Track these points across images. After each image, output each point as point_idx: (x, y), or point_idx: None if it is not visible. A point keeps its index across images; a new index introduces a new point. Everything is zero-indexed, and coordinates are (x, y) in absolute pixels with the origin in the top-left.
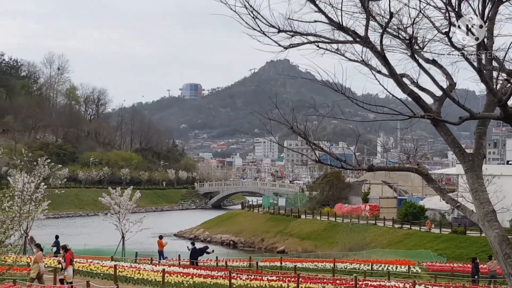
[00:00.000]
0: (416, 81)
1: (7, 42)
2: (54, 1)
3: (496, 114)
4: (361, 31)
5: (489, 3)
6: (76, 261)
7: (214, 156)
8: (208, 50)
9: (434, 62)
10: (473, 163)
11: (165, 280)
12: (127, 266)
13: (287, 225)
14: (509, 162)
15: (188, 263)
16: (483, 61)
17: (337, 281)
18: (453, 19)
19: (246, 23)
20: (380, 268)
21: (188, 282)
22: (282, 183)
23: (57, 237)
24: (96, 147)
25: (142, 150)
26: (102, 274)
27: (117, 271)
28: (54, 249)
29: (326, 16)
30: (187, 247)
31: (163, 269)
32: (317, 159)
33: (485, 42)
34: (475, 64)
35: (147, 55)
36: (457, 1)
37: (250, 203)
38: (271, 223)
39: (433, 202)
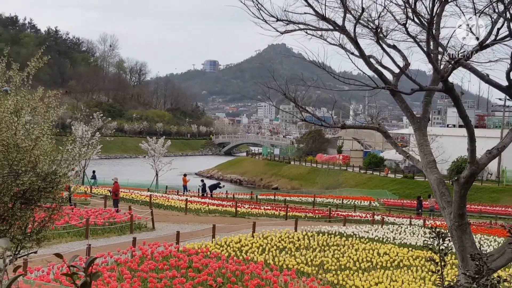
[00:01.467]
0: (380, 61)
1: (71, 25)
2: None
3: (439, 87)
4: (339, 22)
5: (437, 2)
6: (121, 191)
7: (227, 115)
8: (224, 36)
9: (394, 47)
10: (420, 124)
11: (187, 207)
12: (159, 196)
13: (280, 168)
14: (449, 126)
15: (207, 195)
16: (431, 47)
17: (316, 211)
18: (410, 14)
19: (252, 13)
20: (348, 203)
21: (205, 209)
22: (277, 137)
23: (94, 171)
24: (137, 106)
25: (172, 109)
26: (140, 201)
27: (152, 199)
28: (92, 181)
29: (313, 9)
30: (198, 185)
31: (186, 199)
32: (303, 119)
33: (433, 32)
34: (425, 49)
35: (176, 38)
36: (413, 0)
37: (253, 151)
38: (268, 167)
39: (391, 154)
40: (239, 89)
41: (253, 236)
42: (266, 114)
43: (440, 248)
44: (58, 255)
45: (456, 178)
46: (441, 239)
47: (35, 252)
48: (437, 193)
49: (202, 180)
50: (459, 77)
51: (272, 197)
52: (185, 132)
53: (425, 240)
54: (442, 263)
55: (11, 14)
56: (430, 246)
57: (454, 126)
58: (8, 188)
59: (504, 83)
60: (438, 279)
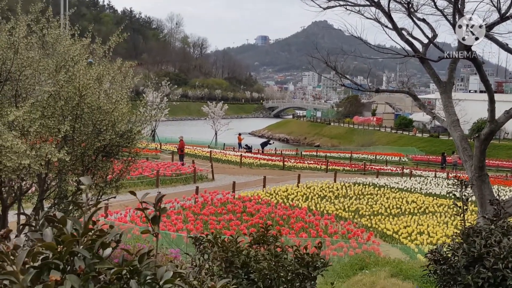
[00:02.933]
0: (410, 33)
1: (143, 5)
2: None
3: (465, 55)
4: None
5: None
6: (185, 148)
7: (276, 83)
8: (274, 12)
9: (423, 20)
10: (445, 88)
11: (242, 161)
12: (218, 152)
13: (322, 129)
14: (470, 91)
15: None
16: (457, 20)
17: (352, 165)
18: None
19: None
20: (381, 158)
21: (257, 163)
22: (319, 102)
23: (152, 130)
24: (199, 76)
25: (229, 78)
26: (202, 156)
27: (211, 154)
28: (151, 138)
29: None
30: (246, 145)
31: (241, 154)
32: (342, 84)
33: (459, 6)
34: (451, 21)
35: (233, 15)
36: None
37: (298, 114)
38: (311, 127)
39: (419, 116)
40: (286, 61)
41: (298, 186)
42: (310, 82)
43: (463, 194)
44: (132, 192)
45: (477, 135)
46: (463, 187)
47: (114, 197)
48: (460, 148)
49: (247, 145)
50: (481, 48)
51: (315, 153)
52: (240, 97)
53: (449, 188)
54: (465, 207)
55: None
56: (453, 193)
57: (475, 91)
58: (92, 143)
59: None
60: (461, 221)
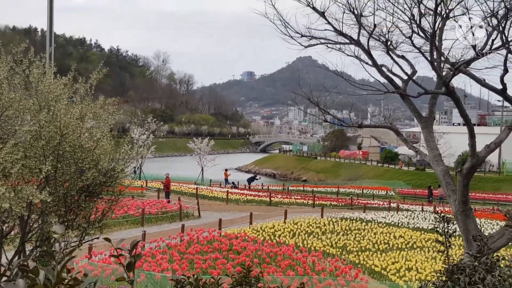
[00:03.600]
0: (390, 70)
1: (130, 44)
2: (160, 18)
3: (442, 91)
4: (355, 36)
5: (439, 18)
6: (172, 185)
7: (262, 118)
8: (260, 49)
9: (402, 57)
10: (427, 123)
11: (228, 197)
12: (204, 188)
13: (308, 163)
14: (454, 124)
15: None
16: (434, 56)
17: (339, 200)
18: (415, 29)
19: (280, 30)
20: (368, 192)
21: (243, 199)
22: (305, 136)
23: (134, 167)
24: (186, 112)
25: (215, 114)
26: (188, 193)
27: (198, 191)
28: (133, 175)
29: (332, 26)
30: (232, 182)
31: (227, 191)
32: (326, 120)
33: (436, 44)
34: (429, 58)
35: (220, 52)
36: (418, 17)
37: (284, 149)
38: (298, 162)
39: (404, 149)
40: (272, 96)
41: (285, 222)
42: (295, 116)
43: (445, 230)
44: (107, 239)
45: (459, 169)
46: (446, 222)
47: (98, 238)
48: (443, 182)
49: (233, 182)
50: (462, 82)
51: (301, 188)
52: (226, 133)
53: (433, 224)
54: (447, 244)
55: (79, 36)
56: (437, 229)
57: (459, 124)
58: (75, 183)
59: (499, 86)
60: (445, 257)
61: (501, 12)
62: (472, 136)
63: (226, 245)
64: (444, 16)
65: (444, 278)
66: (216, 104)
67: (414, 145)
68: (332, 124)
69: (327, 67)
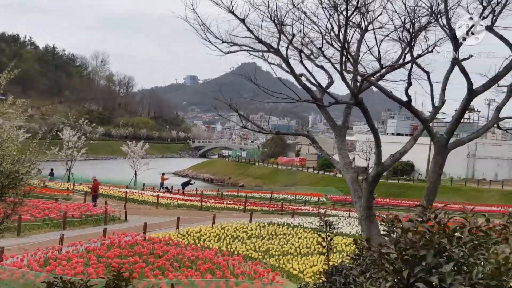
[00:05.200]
0: (309, 79)
1: (67, 42)
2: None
3: (352, 101)
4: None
5: (351, 30)
6: (101, 188)
7: (204, 123)
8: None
9: (321, 67)
10: (340, 132)
11: (159, 202)
12: (135, 192)
13: (247, 169)
14: (388, 134)
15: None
16: (347, 68)
17: (271, 205)
18: (326, 41)
19: (200, 35)
20: (300, 198)
21: (174, 203)
22: (246, 142)
23: (52, 169)
24: (125, 114)
25: (156, 117)
26: (117, 197)
27: (128, 195)
28: (49, 177)
29: (252, 33)
30: (166, 187)
31: (158, 194)
32: (244, 126)
33: (348, 55)
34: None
35: (163, 56)
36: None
37: (224, 154)
38: (236, 168)
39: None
40: (214, 101)
41: (212, 227)
42: (238, 122)
43: (327, 234)
44: None
45: (365, 177)
46: (328, 227)
47: None
48: (351, 189)
49: (167, 187)
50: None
51: (235, 194)
52: (166, 137)
53: (317, 227)
54: (328, 247)
55: (13, 33)
56: (319, 233)
57: (392, 134)
58: None
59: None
60: (326, 259)
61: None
62: (378, 145)
63: (147, 249)
64: (364, 28)
65: (323, 279)
66: (156, 108)
67: (349, 153)
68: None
69: (271, 74)
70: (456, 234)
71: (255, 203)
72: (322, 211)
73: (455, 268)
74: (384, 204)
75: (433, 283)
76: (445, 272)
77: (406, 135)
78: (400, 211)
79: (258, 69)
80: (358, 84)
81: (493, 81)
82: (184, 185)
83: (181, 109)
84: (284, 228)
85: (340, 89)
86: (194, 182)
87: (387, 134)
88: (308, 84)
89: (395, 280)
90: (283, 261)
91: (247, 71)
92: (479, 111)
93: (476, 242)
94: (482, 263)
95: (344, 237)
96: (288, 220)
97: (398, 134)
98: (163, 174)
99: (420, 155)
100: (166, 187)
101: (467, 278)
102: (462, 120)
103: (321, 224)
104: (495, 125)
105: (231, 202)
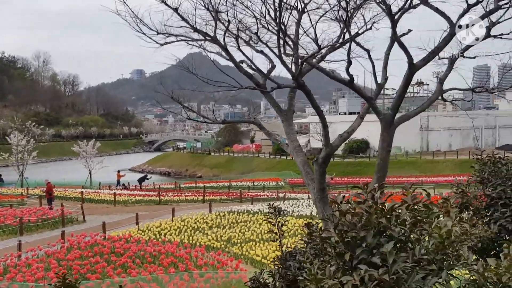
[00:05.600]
0: (250, 65)
1: (6, 46)
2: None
3: (293, 85)
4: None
5: (287, 13)
6: (56, 190)
7: (155, 117)
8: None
9: (261, 52)
10: (286, 116)
11: (116, 199)
12: (91, 191)
13: (203, 159)
14: (340, 113)
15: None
16: (286, 51)
17: (230, 194)
18: (262, 25)
19: (133, 28)
20: (259, 184)
21: (132, 200)
22: (199, 133)
23: (0, 175)
24: (73, 114)
25: (105, 114)
26: (73, 198)
27: (84, 195)
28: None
29: (187, 22)
30: (123, 184)
31: (114, 192)
32: (188, 117)
33: (286, 39)
34: (277, 53)
35: (110, 52)
36: (268, 14)
37: (179, 146)
38: (192, 159)
39: None
40: (159, 94)
41: (172, 220)
42: (189, 113)
43: (278, 221)
44: None
45: (315, 159)
46: (278, 213)
47: None
48: (303, 172)
49: (124, 184)
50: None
51: (194, 185)
52: (118, 133)
53: (266, 214)
54: (280, 233)
55: None
56: (269, 220)
57: (345, 113)
58: None
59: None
60: (278, 246)
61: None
62: (324, 126)
63: (108, 248)
64: (300, 10)
65: (279, 265)
66: (105, 105)
67: (304, 135)
68: (194, 121)
69: (215, 64)
70: (398, 212)
71: (214, 193)
72: (281, 195)
73: (398, 247)
74: (342, 183)
75: (377, 264)
76: (386, 252)
77: (358, 113)
78: (358, 188)
79: (205, 58)
80: (299, 67)
81: (433, 54)
82: (141, 180)
83: (131, 104)
84: (245, 215)
85: (288, 73)
86: (151, 177)
87: (340, 113)
88: (250, 71)
89: (339, 263)
90: (246, 248)
91: (196, 60)
92: (428, 85)
93: (419, 218)
94: (427, 238)
95: (305, 219)
96: (248, 207)
97: (350, 113)
98: (118, 171)
99: (374, 133)
100: (123, 184)
101: (410, 255)
102: (412, 95)
103: (270, 211)
104: (440, 97)
105: (190, 194)
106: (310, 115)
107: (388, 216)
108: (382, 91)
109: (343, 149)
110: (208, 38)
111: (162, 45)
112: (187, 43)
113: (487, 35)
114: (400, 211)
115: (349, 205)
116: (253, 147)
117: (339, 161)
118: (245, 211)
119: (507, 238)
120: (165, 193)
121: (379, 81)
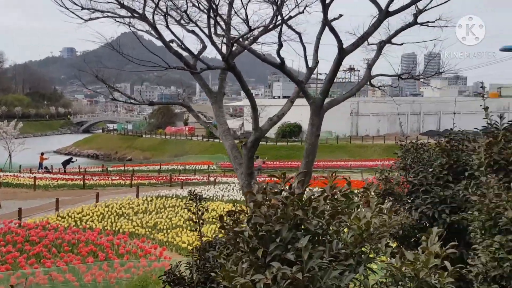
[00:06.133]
0: (180, 45)
1: None
2: None
3: (223, 66)
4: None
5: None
6: None
7: (86, 97)
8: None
9: (192, 32)
10: (216, 98)
11: (36, 184)
12: (10, 175)
13: (134, 142)
14: (275, 97)
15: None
16: (218, 32)
17: (159, 178)
18: (192, 3)
19: (56, 2)
20: (190, 168)
21: (54, 184)
22: (131, 114)
23: None
24: None
25: (31, 94)
26: None
27: (1, 179)
28: None
29: None
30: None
31: (34, 176)
32: (113, 98)
33: (214, 18)
34: (207, 33)
35: (38, 28)
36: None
37: (109, 128)
38: (123, 141)
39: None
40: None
41: (95, 206)
42: (119, 96)
43: (198, 209)
44: None
45: (244, 143)
46: (198, 201)
47: None
48: (231, 156)
49: (46, 167)
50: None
51: (122, 168)
52: (44, 114)
53: (186, 202)
54: (200, 222)
55: None
56: (189, 208)
57: (279, 97)
58: None
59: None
60: (198, 236)
61: None
62: (254, 109)
63: (22, 237)
64: None
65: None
66: (32, 83)
67: (238, 118)
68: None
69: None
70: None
71: (143, 177)
72: (212, 179)
73: (315, 240)
74: (274, 167)
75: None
76: (302, 247)
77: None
78: (290, 173)
79: (141, 38)
80: (229, 48)
81: (362, 39)
82: (65, 163)
83: (60, 83)
84: (173, 200)
85: None
86: (76, 160)
87: (274, 97)
88: (180, 51)
89: (252, 260)
90: (172, 235)
91: (133, 40)
92: (359, 71)
93: (338, 209)
94: (345, 230)
95: (235, 204)
96: (177, 192)
97: (284, 97)
98: (42, 154)
99: (306, 116)
100: (46, 167)
101: (327, 249)
102: (344, 80)
103: (190, 198)
104: (368, 83)
105: (117, 178)
106: (245, 98)
107: (306, 207)
108: (315, 75)
109: (276, 133)
110: (136, 15)
111: (86, 21)
112: (115, 20)
113: (414, 22)
114: (318, 202)
115: (265, 196)
116: (186, 129)
117: (272, 145)
118: (174, 196)
119: (427, 225)
120: (91, 177)
121: (310, 65)
